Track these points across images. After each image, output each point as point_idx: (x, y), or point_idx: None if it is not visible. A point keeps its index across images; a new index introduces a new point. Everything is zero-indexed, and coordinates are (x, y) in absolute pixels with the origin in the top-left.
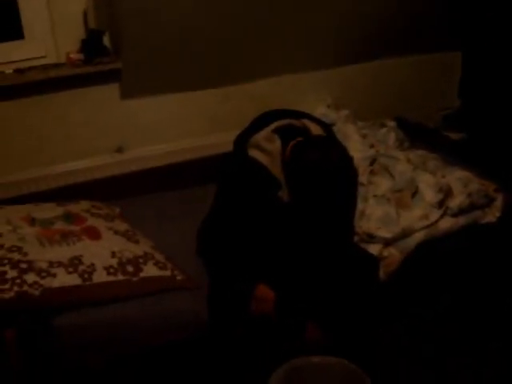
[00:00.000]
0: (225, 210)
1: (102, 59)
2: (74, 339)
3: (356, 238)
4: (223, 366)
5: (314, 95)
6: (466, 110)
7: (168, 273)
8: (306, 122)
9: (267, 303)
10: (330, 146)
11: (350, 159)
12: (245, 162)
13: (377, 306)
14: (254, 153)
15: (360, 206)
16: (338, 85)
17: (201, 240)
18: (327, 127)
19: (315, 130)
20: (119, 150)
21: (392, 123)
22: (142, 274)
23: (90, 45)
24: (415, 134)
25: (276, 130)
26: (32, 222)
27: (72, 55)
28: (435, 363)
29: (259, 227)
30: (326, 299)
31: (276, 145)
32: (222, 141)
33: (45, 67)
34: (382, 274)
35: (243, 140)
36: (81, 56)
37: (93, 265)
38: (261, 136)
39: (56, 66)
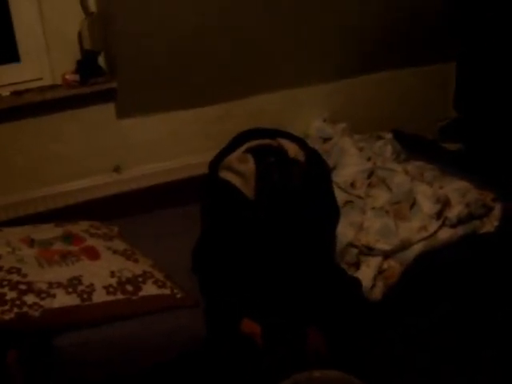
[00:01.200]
0: (208, 231)
1: (97, 79)
2: (74, 359)
3: (355, 251)
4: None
5: (311, 109)
6: (462, 120)
7: (168, 291)
8: (282, 140)
9: (255, 337)
10: (292, 167)
11: (324, 178)
12: (216, 184)
13: (372, 320)
14: (225, 175)
15: (358, 218)
16: (335, 98)
17: (194, 259)
18: (304, 144)
19: (291, 148)
20: (116, 169)
21: (389, 135)
22: (141, 293)
23: (86, 65)
24: (412, 146)
25: (250, 150)
26: (31, 243)
27: (68, 76)
28: (430, 372)
29: (237, 249)
30: (318, 315)
31: (249, 165)
32: None
33: (41, 89)
34: (381, 286)
35: (216, 162)
36: (76, 77)
37: (92, 285)
38: (233, 157)
39: (52, 87)
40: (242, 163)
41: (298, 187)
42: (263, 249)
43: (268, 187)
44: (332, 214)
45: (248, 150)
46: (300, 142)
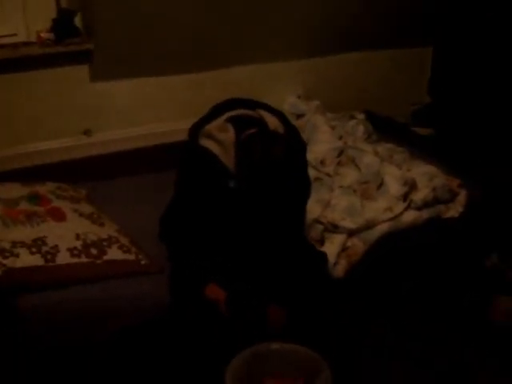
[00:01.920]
0: (181, 198)
1: (72, 40)
2: (37, 320)
3: (320, 228)
4: (185, 350)
5: (285, 85)
6: (434, 106)
7: (132, 257)
8: (262, 112)
9: (219, 303)
10: (275, 141)
11: (300, 154)
12: (195, 150)
13: (337, 297)
14: (205, 142)
15: (326, 196)
16: (310, 76)
17: (162, 226)
18: (285, 119)
19: (271, 121)
20: (87, 132)
21: (361, 116)
22: (105, 257)
23: (61, 24)
24: (384, 128)
25: (231, 120)
26: None
27: (42, 34)
28: (389, 348)
29: (211, 217)
30: (283, 289)
31: (229, 134)
32: None
33: (15, 45)
34: (344, 263)
35: (196, 129)
36: (51, 35)
37: (56, 246)
38: (213, 125)
39: (26, 44)
40: (222, 132)
41: (279, 160)
42: (236, 218)
43: (250, 158)
44: (305, 188)
45: (228, 120)
46: (280, 115)
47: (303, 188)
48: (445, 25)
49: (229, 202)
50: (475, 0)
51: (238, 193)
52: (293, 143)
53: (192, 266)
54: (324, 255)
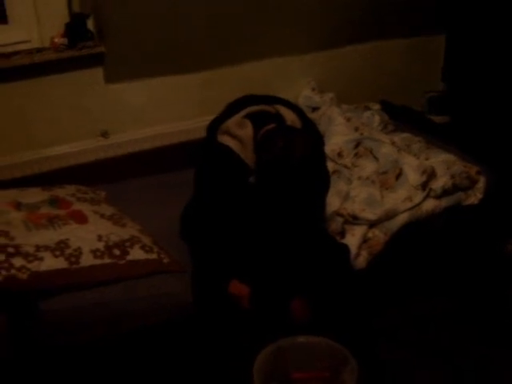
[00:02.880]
0: (201, 195)
1: (86, 43)
2: (61, 322)
3: (340, 220)
4: (209, 348)
5: (299, 79)
6: (449, 93)
7: (154, 256)
8: (280, 107)
9: (242, 299)
10: (296, 136)
11: (319, 147)
12: (214, 147)
13: (359, 288)
14: (223, 138)
15: (344, 188)
16: (323, 68)
17: (183, 225)
18: (301, 113)
19: (288, 116)
20: (104, 134)
21: (376, 106)
22: (128, 257)
23: (74, 29)
24: (399, 117)
25: (248, 116)
26: (18, 206)
27: (56, 39)
28: (417, 344)
29: (231, 214)
30: (307, 282)
31: (247, 130)
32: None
33: (29, 52)
34: (366, 254)
35: (215, 126)
36: (65, 40)
37: (79, 248)
38: (231, 122)
39: (40, 50)
40: (240, 128)
41: (301, 158)
42: (257, 213)
43: (271, 152)
44: (325, 182)
45: (246, 116)
46: (296, 109)
47: (323, 181)
48: (457, 12)
49: (249, 197)
50: None
51: (257, 188)
52: (312, 138)
53: (214, 263)
54: (346, 247)
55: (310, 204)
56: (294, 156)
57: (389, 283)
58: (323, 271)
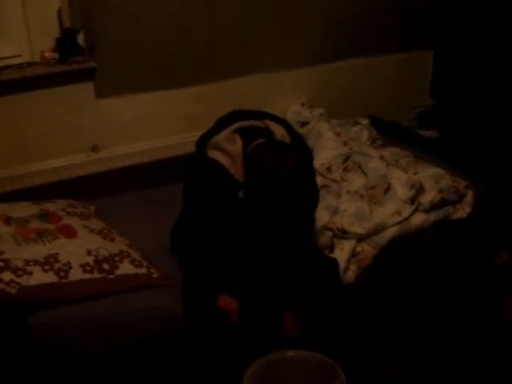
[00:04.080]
0: (190, 210)
1: (76, 58)
2: (50, 336)
3: (329, 234)
4: (199, 362)
5: (289, 94)
6: (438, 108)
7: (144, 270)
8: (269, 122)
9: (231, 313)
10: (287, 152)
11: (308, 163)
12: (204, 162)
13: (349, 303)
14: (213, 153)
15: (333, 202)
16: (313, 83)
17: (173, 238)
18: (290, 128)
19: (278, 131)
20: (94, 148)
21: (365, 121)
22: (117, 272)
23: (65, 43)
24: (388, 132)
25: (238, 131)
26: (7, 220)
27: (47, 54)
28: (407, 358)
29: (219, 228)
30: (296, 296)
31: (237, 145)
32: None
33: (20, 66)
34: (355, 268)
35: (204, 141)
36: (55, 55)
37: (69, 263)
38: (221, 137)
39: (31, 64)
40: (229, 143)
41: (292, 173)
42: (246, 228)
43: (261, 168)
44: (314, 197)
45: (236, 131)
46: (285, 124)
47: (312, 196)
48: (445, 27)
49: (238, 212)
50: (474, 2)
51: (246, 203)
52: (302, 153)
53: (203, 278)
54: (335, 261)
55: (299, 218)
56: (285, 172)
57: (378, 297)
58: (312, 285)
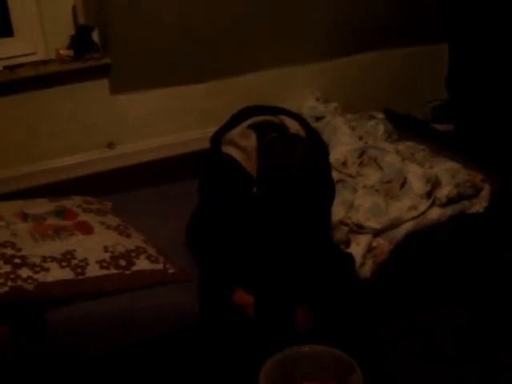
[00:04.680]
0: (205, 205)
1: (91, 55)
2: (67, 333)
3: (345, 229)
4: (215, 357)
5: (303, 89)
6: (453, 101)
7: (160, 266)
8: (284, 118)
9: (247, 308)
10: (297, 144)
11: (322, 157)
12: (218, 158)
13: (364, 297)
14: (228, 149)
15: (349, 197)
16: (328, 78)
17: (189, 234)
18: (305, 123)
19: (292, 126)
20: (110, 145)
21: (380, 115)
22: (134, 268)
23: (79, 41)
24: (403, 126)
25: (252, 126)
26: (24, 217)
27: (61, 51)
28: (423, 352)
29: (235, 224)
30: (311, 291)
31: (251, 141)
32: None
33: (35, 64)
34: (371, 263)
35: (218, 136)
36: (70, 52)
37: (86, 259)
38: (235, 132)
39: (46, 62)
40: (244, 138)
41: (302, 159)
42: (261, 223)
43: (271, 161)
44: (329, 192)
45: (250, 126)
46: (301, 120)
47: (327, 191)
48: (460, 20)
49: (253, 207)
50: None
51: (261, 198)
52: (315, 147)
53: (219, 273)
54: (351, 256)
55: (314, 213)
56: (295, 164)
57: (394, 292)
58: (327, 281)
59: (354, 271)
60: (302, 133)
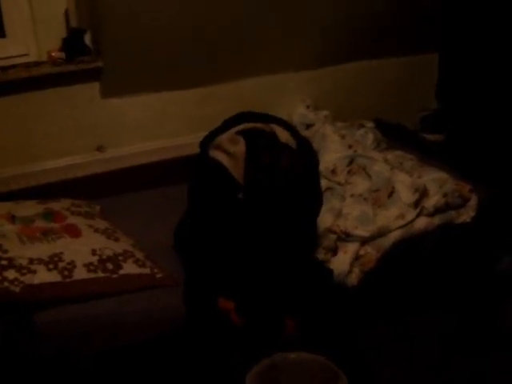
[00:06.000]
0: (193, 210)
1: (83, 58)
2: (54, 335)
3: (333, 237)
4: (202, 362)
5: (294, 96)
6: (443, 111)
7: (147, 270)
8: (275, 126)
9: (229, 314)
10: (283, 153)
11: (310, 167)
12: (205, 162)
13: (351, 305)
14: (215, 154)
15: (337, 205)
16: (318, 86)
17: (176, 239)
18: (296, 133)
19: (283, 135)
20: (100, 148)
21: (370, 124)
22: (121, 272)
23: (72, 43)
24: (393, 135)
25: (242, 133)
26: (12, 219)
27: (53, 54)
28: (408, 361)
29: (220, 229)
30: (295, 300)
31: (240, 147)
32: None
33: (27, 65)
34: (358, 272)
35: (207, 141)
36: (62, 54)
37: (73, 262)
38: (224, 137)
39: (38, 64)
40: (232, 144)
41: (287, 170)
42: (245, 229)
43: (257, 168)
44: (316, 203)
45: (239, 132)
46: (292, 129)
47: (314, 200)
48: (450, 30)
49: (238, 213)
50: (478, 5)
51: (246, 204)
52: (304, 156)
53: (204, 277)
54: (330, 271)
55: (298, 222)
56: (280, 173)
57: (380, 300)
58: (309, 291)
59: (332, 286)
60: (292, 142)
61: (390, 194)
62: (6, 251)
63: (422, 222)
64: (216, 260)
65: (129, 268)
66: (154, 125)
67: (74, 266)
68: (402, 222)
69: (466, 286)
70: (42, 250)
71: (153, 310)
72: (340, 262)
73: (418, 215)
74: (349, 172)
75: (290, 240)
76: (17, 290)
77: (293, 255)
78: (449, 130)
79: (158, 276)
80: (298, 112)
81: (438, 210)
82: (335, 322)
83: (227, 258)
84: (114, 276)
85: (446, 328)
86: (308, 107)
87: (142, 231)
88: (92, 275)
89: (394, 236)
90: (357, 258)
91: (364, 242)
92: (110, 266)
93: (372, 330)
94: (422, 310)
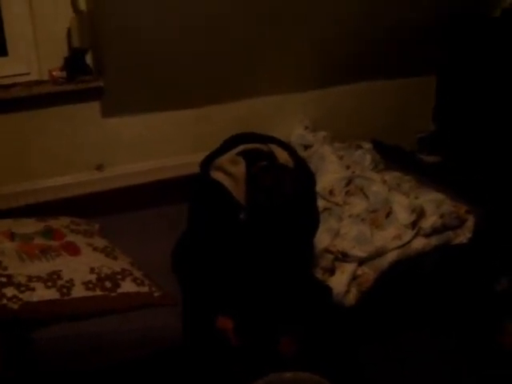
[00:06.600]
0: (192, 230)
1: (84, 77)
2: (52, 352)
3: (331, 257)
4: (199, 380)
5: (293, 117)
6: (440, 133)
7: (146, 289)
8: (273, 147)
9: (227, 333)
10: (285, 174)
11: (308, 188)
12: (206, 183)
13: (348, 325)
14: (216, 175)
15: (335, 225)
16: (317, 107)
17: (174, 259)
18: (294, 153)
19: (281, 155)
20: (99, 167)
21: (368, 145)
22: (119, 290)
23: (73, 63)
24: (390, 156)
25: (242, 153)
26: (12, 236)
27: (55, 73)
28: (405, 379)
29: (220, 249)
30: (293, 320)
31: (240, 167)
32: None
33: (28, 84)
34: (355, 292)
35: (208, 162)
36: (63, 74)
37: (72, 280)
38: (225, 158)
39: (39, 83)
40: (233, 165)
41: (290, 194)
42: (245, 250)
43: (260, 191)
44: (314, 223)
45: (240, 153)
46: (290, 150)
47: (311, 221)
48: (447, 53)
49: (238, 234)
50: (476, 29)
51: (247, 225)
52: (302, 177)
53: (203, 297)
54: (329, 289)
55: (296, 242)
56: (282, 193)
57: (378, 320)
58: (306, 310)
59: (331, 305)
60: (291, 163)
61: (388, 215)
62: (5, 268)
63: (419, 243)
64: (216, 279)
65: (127, 286)
66: (153, 144)
67: (73, 284)
68: (399, 243)
69: (464, 305)
70: (41, 267)
71: (151, 329)
72: (338, 282)
73: (415, 236)
74: (347, 193)
75: (288, 259)
76: (15, 307)
77: (291, 274)
78: (446, 152)
79: (156, 294)
80: (297, 133)
81: (435, 231)
82: (333, 340)
83: (227, 276)
84: (113, 294)
85: (445, 345)
86: (306, 128)
87: (141, 250)
88: (90, 293)
89: (392, 256)
90: (354, 277)
91: (361, 262)
92: (108, 284)
93: (370, 348)
94: (420, 328)
